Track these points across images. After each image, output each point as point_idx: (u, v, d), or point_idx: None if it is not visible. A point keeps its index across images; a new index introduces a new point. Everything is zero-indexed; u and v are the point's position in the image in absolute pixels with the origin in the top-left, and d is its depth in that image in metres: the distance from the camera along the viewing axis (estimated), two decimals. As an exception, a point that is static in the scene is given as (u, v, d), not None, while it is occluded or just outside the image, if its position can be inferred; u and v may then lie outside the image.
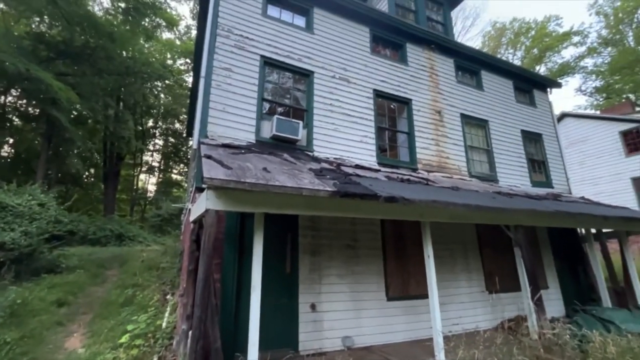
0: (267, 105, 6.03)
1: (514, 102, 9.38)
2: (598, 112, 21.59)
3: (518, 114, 9.33)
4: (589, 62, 29.23)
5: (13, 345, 4.53)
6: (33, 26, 17.17)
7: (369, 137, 6.68)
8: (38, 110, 18.26)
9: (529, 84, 10.00)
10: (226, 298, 4.70)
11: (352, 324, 5.44)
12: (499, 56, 30.73)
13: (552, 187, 9.18)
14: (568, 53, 42.25)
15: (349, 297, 5.57)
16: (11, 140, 20.72)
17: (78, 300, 6.66)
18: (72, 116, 17.34)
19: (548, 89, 10.48)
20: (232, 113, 5.47)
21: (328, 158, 6.05)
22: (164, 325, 5.27)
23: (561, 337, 4.08)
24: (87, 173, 25.37)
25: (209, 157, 3.73)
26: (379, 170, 5.97)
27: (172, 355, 4.53)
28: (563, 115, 17.51)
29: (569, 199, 7.81)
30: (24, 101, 19.19)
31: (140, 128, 25.50)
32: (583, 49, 29.14)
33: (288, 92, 6.36)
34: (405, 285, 6.16)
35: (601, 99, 29.59)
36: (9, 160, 20.98)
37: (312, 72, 6.43)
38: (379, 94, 7.13)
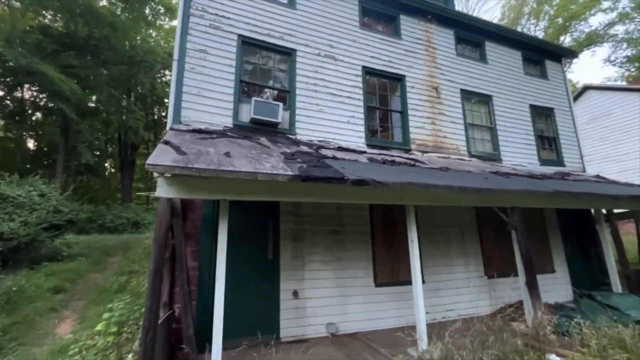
0: (246, 88, 5.79)
1: (521, 75, 8.70)
2: (624, 84, 19.96)
3: (527, 88, 8.66)
4: (619, 29, 26.77)
5: (3, 331, 4.70)
6: (38, 20, 17.37)
7: (357, 118, 6.35)
8: (54, 105, 18.83)
9: (540, 55, 9.22)
10: (203, 285, 4.66)
11: (337, 310, 5.32)
12: (519, 28, 28.80)
13: (564, 166, 8.57)
14: (596, 20, 39.09)
15: (334, 283, 5.43)
16: (34, 134, 21.61)
17: (76, 287, 6.87)
18: (85, 108, 17.76)
19: (562, 59, 9.67)
20: (208, 97, 5.28)
21: (312, 141, 5.80)
22: (151, 311, 5.31)
23: (541, 326, 3.80)
24: (106, 164, 26.25)
25: (166, 142, 3.59)
26: (364, 152, 5.68)
27: (153, 342, 4.55)
28: (585, 89, 16.24)
29: (579, 178, 7.25)
30: (43, 96, 19.75)
31: (153, 118, 25.89)
32: (613, 15, 26.70)
33: (269, 73, 6.09)
34: (395, 270, 5.95)
35: (633, 69, 27.27)
36: (31, 153, 21.92)
37: (295, 50, 6.10)
38: (369, 71, 6.73)
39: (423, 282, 6.06)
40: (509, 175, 5.65)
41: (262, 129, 5.51)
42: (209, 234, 4.85)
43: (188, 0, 5.48)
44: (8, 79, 16.22)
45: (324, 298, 5.29)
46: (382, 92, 6.99)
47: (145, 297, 2.99)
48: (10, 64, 13.80)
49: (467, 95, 7.73)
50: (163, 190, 3.11)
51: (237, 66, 5.60)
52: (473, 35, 8.23)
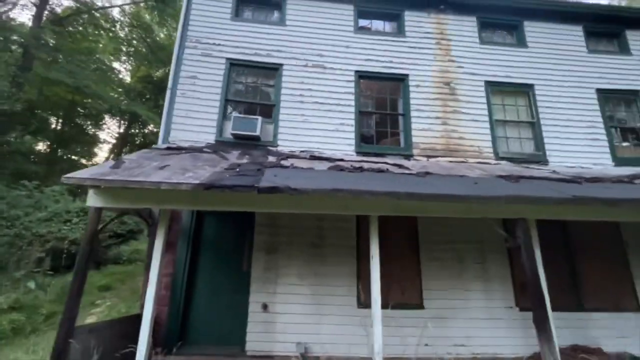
0: (232, 106, 6.12)
1: (583, 54, 6.88)
2: None
3: (592, 69, 6.79)
4: None
5: (47, 317, 5.89)
6: (149, 73, 21.93)
7: (347, 125, 6.01)
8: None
9: (617, 25, 7.16)
10: (175, 291, 5.00)
11: (310, 329, 4.97)
12: None
13: (658, 165, 6.30)
14: None
15: (310, 300, 5.12)
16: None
17: (123, 286, 8.13)
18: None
19: (657, 25, 7.29)
20: (195, 118, 5.79)
21: (293, 152, 5.73)
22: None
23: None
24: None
25: (116, 159, 4.08)
26: (340, 160, 5.29)
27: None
28: None
29: (664, 180, 5.20)
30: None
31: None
32: None
33: (257, 89, 6.33)
34: (386, 291, 5.24)
35: None
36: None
37: (281, 65, 6.22)
38: (363, 75, 6.35)
39: (422, 307, 5.24)
40: (519, 179, 4.45)
41: (243, 143, 5.72)
42: (185, 242, 5.21)
43: (185, 34, 6.21)
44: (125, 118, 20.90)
45: (297, 315, 5.02)
46: (381, 95, 6.47)
47: (68, 295, 3.39)
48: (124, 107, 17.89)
49: (495, 87, 6.51)
50: (92, 200, 3.54)
51: (224, 86, 6.01)
52: (504, 17, 6.96)
